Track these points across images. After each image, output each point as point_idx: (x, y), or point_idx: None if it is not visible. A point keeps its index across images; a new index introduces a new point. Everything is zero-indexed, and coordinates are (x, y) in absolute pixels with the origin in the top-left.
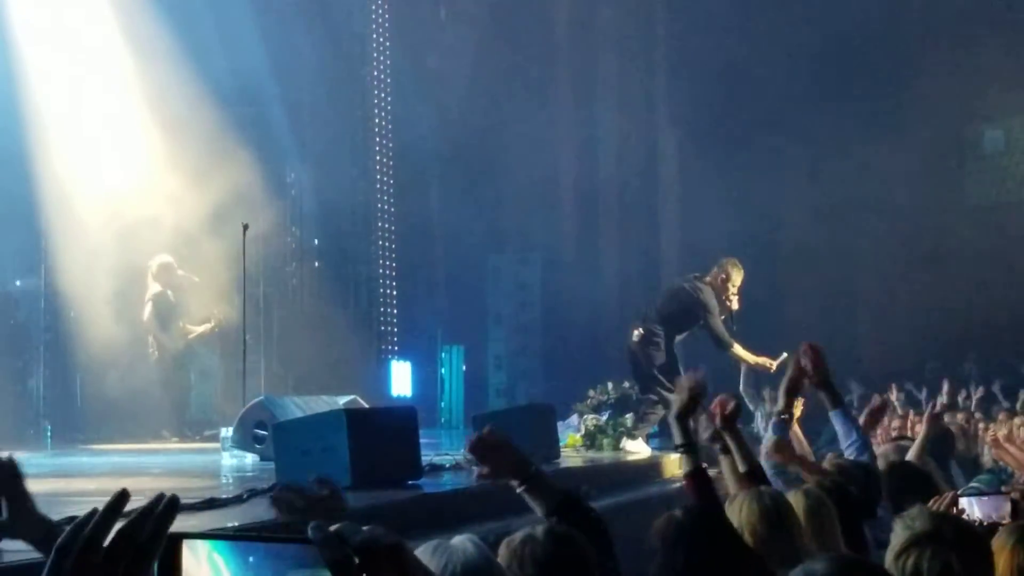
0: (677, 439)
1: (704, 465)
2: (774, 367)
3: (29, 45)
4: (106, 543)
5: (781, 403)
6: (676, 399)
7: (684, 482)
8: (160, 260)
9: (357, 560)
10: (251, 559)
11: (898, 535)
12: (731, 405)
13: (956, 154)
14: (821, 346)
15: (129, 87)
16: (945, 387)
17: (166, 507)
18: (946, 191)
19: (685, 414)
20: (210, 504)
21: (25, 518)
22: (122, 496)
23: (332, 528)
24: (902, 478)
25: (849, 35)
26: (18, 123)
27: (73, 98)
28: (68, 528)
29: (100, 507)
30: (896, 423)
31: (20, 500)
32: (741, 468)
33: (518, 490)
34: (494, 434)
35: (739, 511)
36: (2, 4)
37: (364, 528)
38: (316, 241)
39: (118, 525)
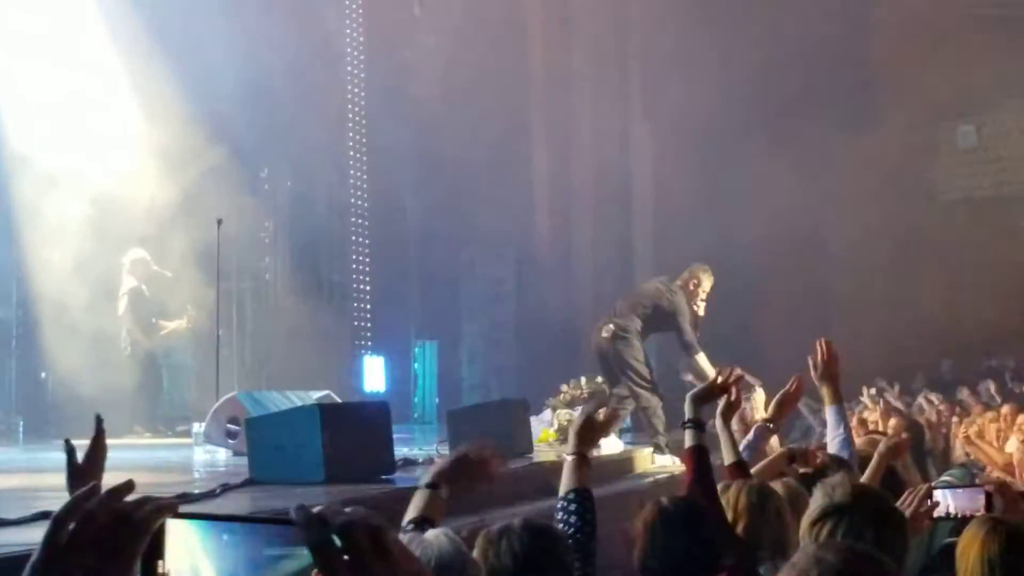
0: (688, 414)
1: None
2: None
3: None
4: (101, 520)
5: (771, 412)
6: (702, 385)
7: (684, 456)
8: (134, 255)
9: (339, 542)
10: (224, 537)
11: (817, 501)
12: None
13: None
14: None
15: (106, 83)
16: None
17: (168, 505)
18: (919, 185)
19: (706, 399)
20: (183, 498)
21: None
22: (129, 484)
23: (314, 510)
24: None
25: (824, 32)
26: None
27: (47, 84)
28: (68, 501)
29: (51, 481)
30: (872, 418)
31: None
32: (728, 460)
33: (568, 457)
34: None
35: (730, 502)
36: None
37: (347, 510)
38: (290, 236)
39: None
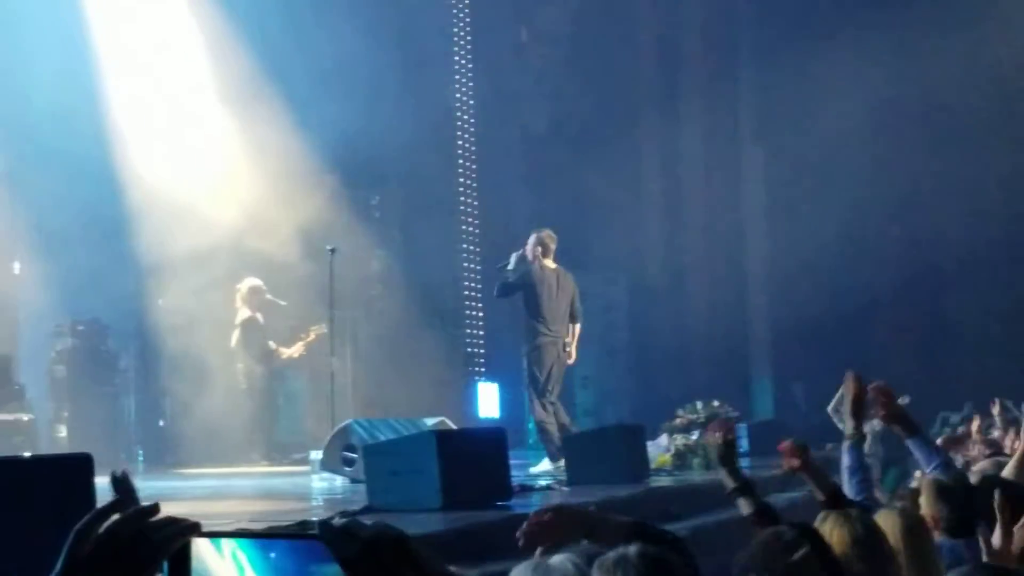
0: (728, 483)
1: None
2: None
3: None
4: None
5: (850, 427)
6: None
7: (753, 524)
8: (249, 283)
9: (365, 555)
10: (272, 555)
11: None
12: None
13: None
14: (886, 385)
15: (218, 113)
16: None
17: (190, 526)
18: None
19: (729, 461)
20: (303, 526)
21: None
22: (155, 506)
23: (340, 524)
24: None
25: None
26: (107, 144)
27: (166, 124)
28: (88, 516)
29: (128, 505)
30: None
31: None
32: (820, 496)
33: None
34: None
35: (828, 535)
36: (88, 28)
37: (369, 524)
38: (402, 264)
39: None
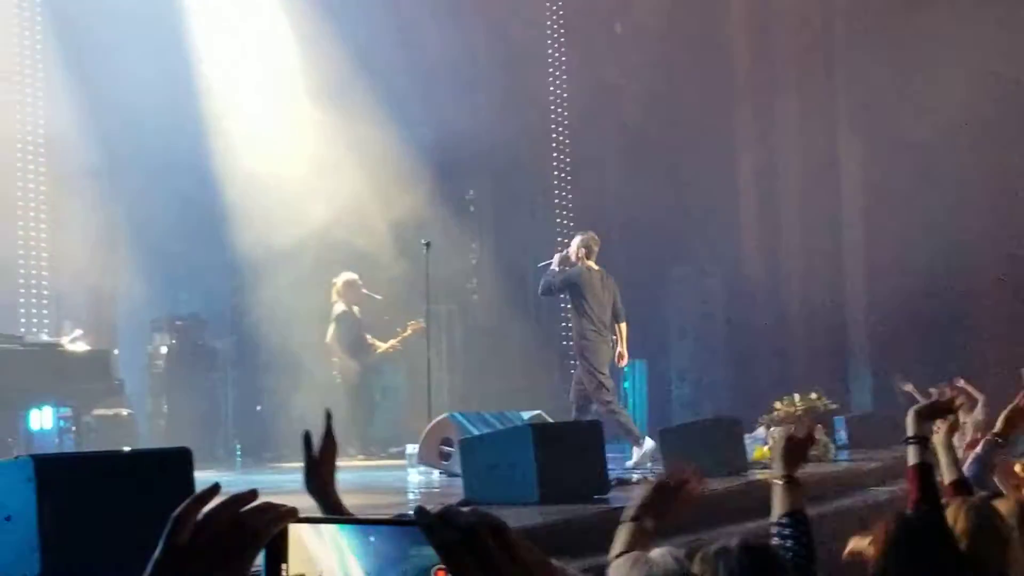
0: (911, 430)
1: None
2: None
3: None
4: (221, 523)
5: (1000, 426)
6: (925, 401)
7: (908, 473)
8: (345, 278)
9: (463, 541)
10: (372, 539)
11: None
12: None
13: None
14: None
15: (315, 108)
16: None
17: (288, 512)
18: None
19: (931, 416)
20: (399, 520)
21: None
22: (253, 493)
23: (436, 511)
24: None
25: None
26: (204, 140)
27: (263, 120)
28: (186, 502)
29: (227, 491)
30: None
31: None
32: (948, 478)
33: (779, 482)
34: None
35: (952, 521)
36: (185, 26)
37: (467, 510)
38: (496, 257)
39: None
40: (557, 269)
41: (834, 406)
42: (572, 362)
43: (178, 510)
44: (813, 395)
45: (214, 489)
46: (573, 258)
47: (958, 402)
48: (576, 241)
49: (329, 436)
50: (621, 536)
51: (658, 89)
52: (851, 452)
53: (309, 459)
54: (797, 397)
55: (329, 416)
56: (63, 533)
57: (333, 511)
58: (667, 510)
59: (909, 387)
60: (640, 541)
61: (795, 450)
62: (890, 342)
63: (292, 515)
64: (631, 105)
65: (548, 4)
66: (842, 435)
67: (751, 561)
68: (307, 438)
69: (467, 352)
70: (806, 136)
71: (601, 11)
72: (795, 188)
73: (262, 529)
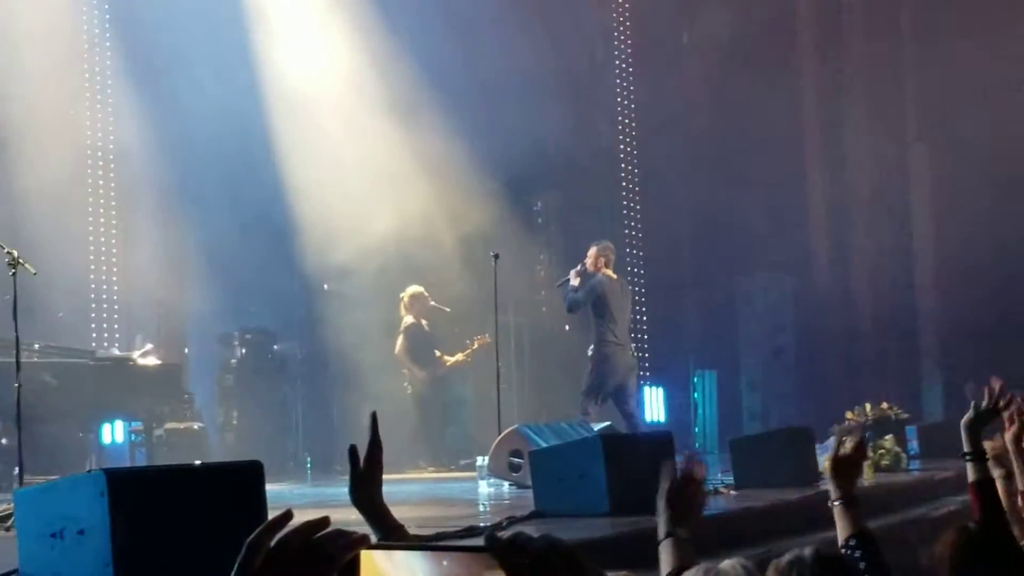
0: (966, 445)
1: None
2: None
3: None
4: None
5: None
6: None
7: (969, 490)
8: (412, 290)
9: (533, 567)
10: (445, 563)
11: None
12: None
13: None
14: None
15: (382, 121)
16: None
17: (360, 539)
18: None
19: (980, 424)
20: (470, 532)
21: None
22: (325, 519)
23: (507, 537)
24: None
25: None
26: (272, 154)
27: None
28: (260, 528)
29: (298, 517)
30: None
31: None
32: (1022, 485)
33: (835, 502)
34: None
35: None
36: (252, 41)
37: (536, 536)
38: (565, 269)
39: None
40: (575, 284)
41: (905, 415)
42: (644, 373)
43: (252, 536)
44: (884, 404)
45: (287, 515)
46: (591, 268)
47: (1007, 404)
48: (593, 251)
49: (375, 443)
50: (665, 555)
51: (725, 97)
52: (923, 461)
53: (354, 473)
54: (869, 407)
55: (375, 419)
56: (136, 547)
57: (380, 523)
58: (689, 511)
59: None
60: (686, 553)
61: (845, 467)
62: (961, 350)
63: (364, 542)
64: (698, 114)
65: (615, 15)
66: (914, 445)
67: (825, 571)
68: (352, 452)
69: (536, 364)
70: (875, 143)
71: (667, 21)
72: (864, 196)
73: (335, 555)
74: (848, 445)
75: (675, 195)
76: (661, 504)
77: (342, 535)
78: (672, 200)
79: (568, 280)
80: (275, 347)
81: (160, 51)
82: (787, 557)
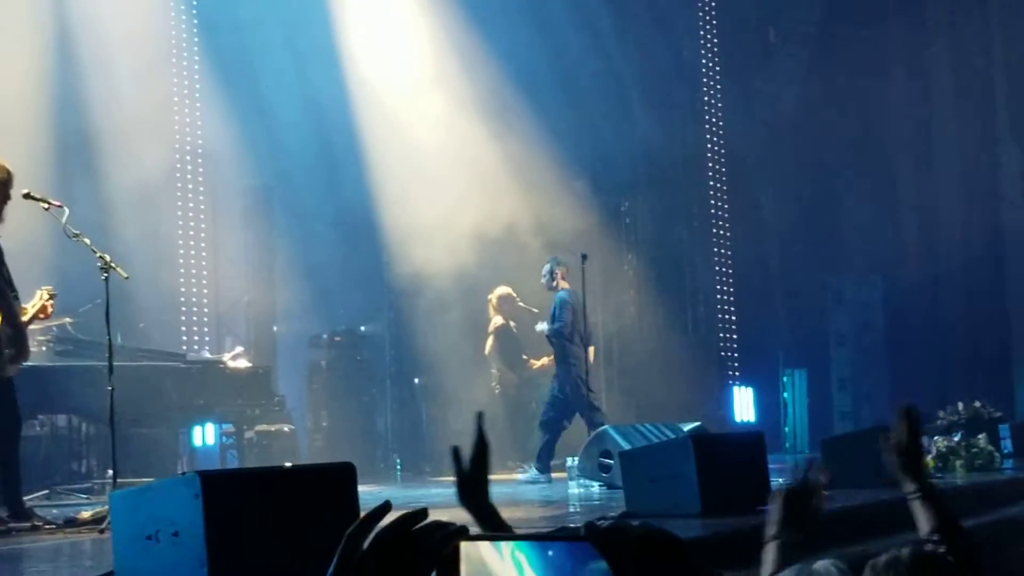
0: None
1: None
2: None
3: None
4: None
5: None
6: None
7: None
8: (501, 291)
9: (636, 556)
10: (550, 553)
11: None
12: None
13: None
14: None
15: (469, 123)
16: None
17: (458, 531)
18: None
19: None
20: (564, 532)
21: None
22: (423, 511)
23: (607, 525)
24: None
25: None
26: (360, 158)
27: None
28: (359, 521)
29: (398, 511)
30: None
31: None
32: None
33: (911, 497)
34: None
35: None
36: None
37: (636, 524)
38: (652, 269)
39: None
40: (556, 320)
41: (998, 414)
42: (733, 373)
43: (351, 528)
44: (977, 403)
45: (386, 507)
46: (557, 283)
47: None
48: (550, 267)
49: (481, 441)
50: (768, 557)
51: (811, 96)
52: (1017, 460)
53: (460, 473)
54: (960, 405)
55: (480, 419)
56: (230, 549)
57: (488, 521)
58: (805, 520)
59: None
60: (789, 557)
61: (908, 456)
62: None
63: (463, 533)
64: (786, 113)
65: (701, 15)
66: (1007, 443)
67: (923, 570)
68: (456, 453)
69: (625, 364)
70: (964, 140)
71: (754, 19)
72: (954, 194)
73: (433, 548)
74: (899, 434)
75: (763, 194)
76: (775, 506)
77: (440, 527)
78: (760, 199)
79: (544, 330)
80: (364, 350)
81: (247, 54)
82: (884, 557)
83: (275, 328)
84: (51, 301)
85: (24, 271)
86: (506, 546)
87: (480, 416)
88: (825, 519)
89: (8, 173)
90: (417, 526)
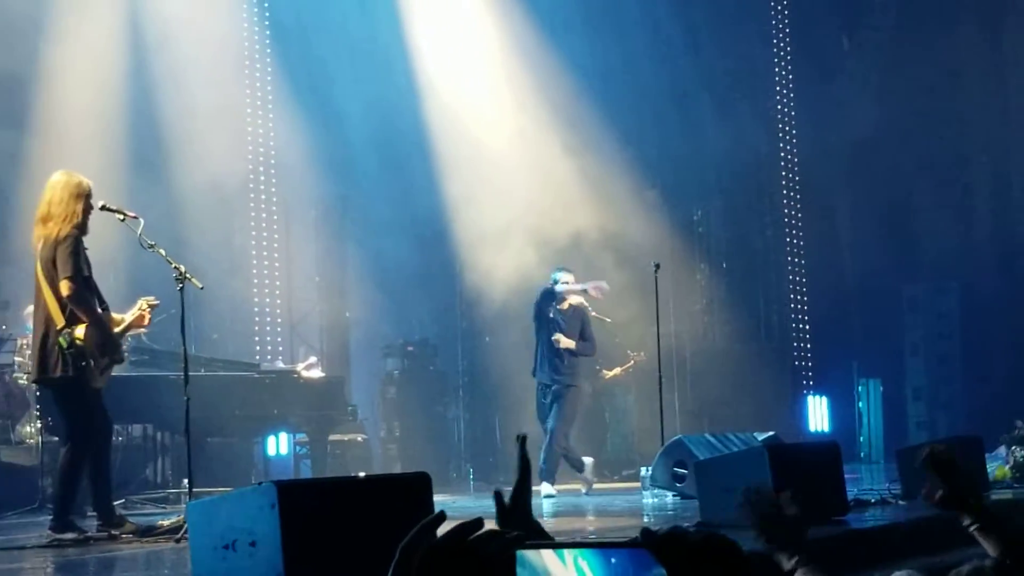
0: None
1: None
2: None
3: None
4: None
5: None
6: None
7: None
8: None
9: (693, 562)
10: (613, 560)
11: None
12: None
13: None
14: None
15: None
16: None
17: (514, 539)
18: None
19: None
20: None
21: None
22: (479, 520)
23: (664, 531)
24: None
25: None
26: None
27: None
28: (413, 531)
29: (452, 521)
30: None
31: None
32: None
33: (970, 528)
34: (946, 452)
35: None
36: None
37: (693, 529)
38: (725, 278)
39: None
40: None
41: None
42: (807, 383)
43: (406, 539)
44: None
45: (440, 518)
46: (572, 294)
47: None
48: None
49: (524, 464)
50: None
51: (886, 102)
52: None
53: (501, 511)
54: None
55: (522, 440)
56: (306, 557)
57: (534, 536)
58: (783, 529)
59: None
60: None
61: (954, 503)
62: None
63: (519, 542)
64: (860, 119)
65: (775, 23)
66: None
67: None
68: (498, 498)
69: (699, 374)
70: None
71: (828, 26)
72: None
73: (489, 557)
74: (939, 449)
75: (837, 202)
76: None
77: (496, 536)
78: (834, 208)
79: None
80: (437, 359)
81: (319, 63)
82: (967, 568)
83: (348, 338)
84: (149, 311)
85: (100, 282)
86: (569, 553)
87: (523, 438)
88: (803, 525)
89: (88, 187)
90: (473, 536)
